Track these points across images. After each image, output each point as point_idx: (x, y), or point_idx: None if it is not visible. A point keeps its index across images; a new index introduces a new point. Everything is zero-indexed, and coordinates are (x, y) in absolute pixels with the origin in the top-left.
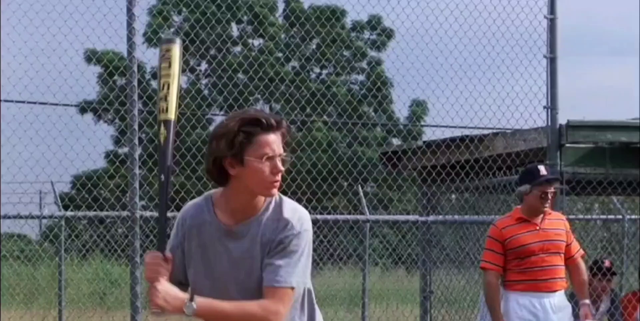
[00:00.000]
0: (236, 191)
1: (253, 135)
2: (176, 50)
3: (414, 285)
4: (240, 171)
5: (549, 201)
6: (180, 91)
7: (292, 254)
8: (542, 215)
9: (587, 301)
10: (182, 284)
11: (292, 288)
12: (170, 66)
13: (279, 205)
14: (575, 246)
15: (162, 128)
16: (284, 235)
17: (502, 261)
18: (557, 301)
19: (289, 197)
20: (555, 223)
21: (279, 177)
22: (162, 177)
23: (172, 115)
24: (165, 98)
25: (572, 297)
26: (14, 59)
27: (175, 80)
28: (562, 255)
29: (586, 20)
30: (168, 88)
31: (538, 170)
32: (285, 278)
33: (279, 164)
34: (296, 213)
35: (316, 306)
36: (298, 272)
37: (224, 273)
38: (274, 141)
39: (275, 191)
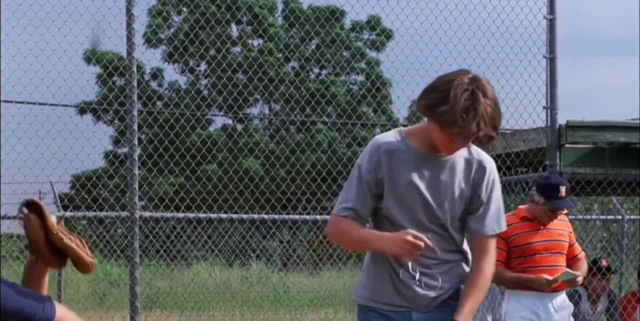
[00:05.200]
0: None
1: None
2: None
3: None
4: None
5: (555, 218)
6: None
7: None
8: None
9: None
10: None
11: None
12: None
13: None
14: (578, 247)
15: None
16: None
17: (504, 257)
18: (558, 302)
19: (289, 197)
20: (559, 224)
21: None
22: None
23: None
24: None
25: (571, 298)
26: (13, 59)
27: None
28: (564, 255)
29: (586, 21)
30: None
31: (558, 191)
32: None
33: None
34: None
35: None
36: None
37: (414, 196)
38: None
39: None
